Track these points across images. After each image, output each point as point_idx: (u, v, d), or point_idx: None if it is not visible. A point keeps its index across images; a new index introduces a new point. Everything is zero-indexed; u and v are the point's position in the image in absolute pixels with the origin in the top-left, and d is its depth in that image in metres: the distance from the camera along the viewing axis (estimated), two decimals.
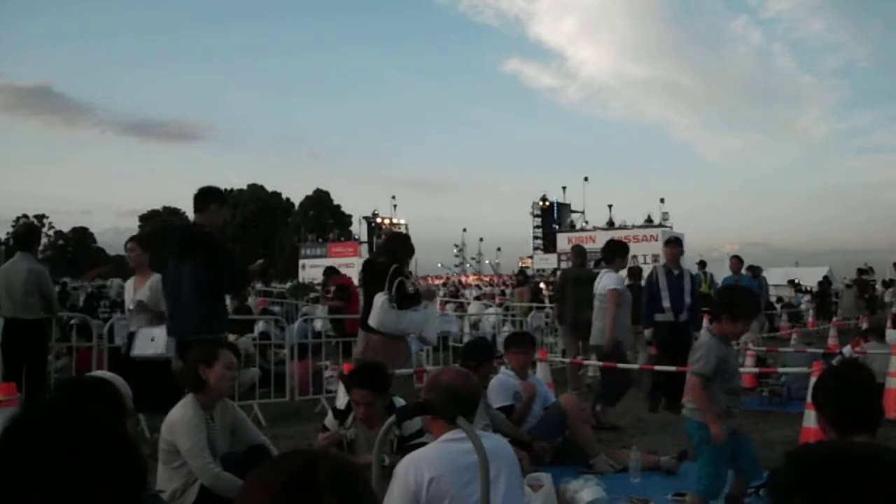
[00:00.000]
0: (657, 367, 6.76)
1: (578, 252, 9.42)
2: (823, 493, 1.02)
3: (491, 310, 15.72)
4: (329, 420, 4.03)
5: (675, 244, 7.82)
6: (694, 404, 3.75)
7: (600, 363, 6.86)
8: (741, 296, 4.00)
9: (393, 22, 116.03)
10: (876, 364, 7.50)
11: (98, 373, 3.83)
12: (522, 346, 5.51)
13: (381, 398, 3.83)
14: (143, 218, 74.33)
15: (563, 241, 39.67)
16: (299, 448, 1.81)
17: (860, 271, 20.05)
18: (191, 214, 5.27)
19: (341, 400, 4.63)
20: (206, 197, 4.92)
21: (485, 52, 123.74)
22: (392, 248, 5.67)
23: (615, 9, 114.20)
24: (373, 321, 5.24)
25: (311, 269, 48.18)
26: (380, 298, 5.22)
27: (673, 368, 6.99)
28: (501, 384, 5.28)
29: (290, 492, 0.98)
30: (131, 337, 5.77)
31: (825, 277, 24.46)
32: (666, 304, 7.30)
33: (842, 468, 1.05)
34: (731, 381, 3.76)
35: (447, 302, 18.98)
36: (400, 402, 4.09)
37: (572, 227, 42.14)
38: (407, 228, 51.39)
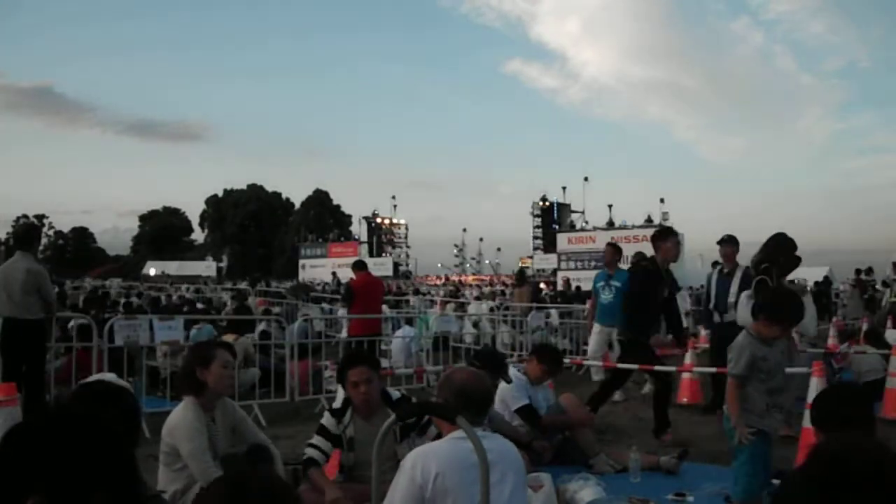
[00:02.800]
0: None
1: (636, 257, 10.95)
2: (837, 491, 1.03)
3: (484, 305, 15.72)
4: (326, 420, 4.04)
5: (726, 243, 7.53)
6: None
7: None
8: (784, 300, 3.95)
9: (394, 23, 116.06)
10: (866, 364, 7.52)
11: (105, 376, 3.83)
12: (550, 364, 5.46)
13: (377, 375, 3.95)
14: (143, 218, 74.35)
15: (563, 241, 39.59)
16: (237, 470, 1.85)
17: (858, 271, 20.02)
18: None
19: (340, 401, 4.63)
20: (653, 237, 6.79)
21: (486, 54, 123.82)
22: (769, 249, 6.56)
23: (617, 10, 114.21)
24: (738, 317, 6.18)
25: (311, 269, 48.17)
26: (744, 295, 6.16)
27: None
28: (516, 386, 5.25)
29: None
30: None
31: (825, 277, 24.46)
32: (712, 303, 7.40)
33: (857, 465, 1.05)
34: (772, 380, 3.77)
35: (447, 302, 18.95)
36: (395, 393, 4.12)
37: (572, 227, 42.07)
38: (407, 228, 51.45)
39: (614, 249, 9.04)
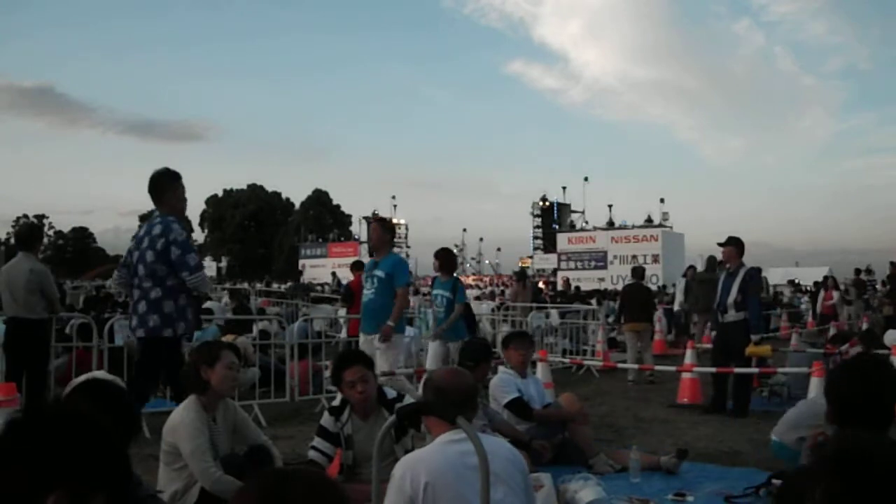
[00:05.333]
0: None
1: (709, 261, 11.66)
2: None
3: (484, 305, 15.72)
4: (325, 419, 4.05)
5: (726, 244, 7.57)
6: None
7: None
8: None
9: (396, 23, 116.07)
10: None
11: (99, 374, 3.82)
12: (521, 344, 5.53)
13: (372, 374, 4.01)
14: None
15: (563, 241, 39.62)
16: (284, 466, 1.84)
17: (857, 271, 20.01)
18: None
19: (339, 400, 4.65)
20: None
21: (488, 54, 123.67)
22: None
23: (619, 11, 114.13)
24: None
25: (311, 269, 48.17)
26: None
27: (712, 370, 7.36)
28: (503, 381, 5.29)
29: None
30: None
31: (825, 278, 24.45)
32: (716, 304, 7.52)
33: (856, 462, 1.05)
34: None
35: None
36: (391, 392, 4.13)
37: (572, 227, 42.11)
38: (407, 228, 51.43)
39: (382, 228, 6.72)
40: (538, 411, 5.24)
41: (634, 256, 35.05)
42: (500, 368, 5.54)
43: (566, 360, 10.01)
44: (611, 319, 14.92)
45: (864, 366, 2.55)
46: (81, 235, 74.34)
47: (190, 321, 4.86)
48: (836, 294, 14.61)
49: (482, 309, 15.24)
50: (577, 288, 22.05)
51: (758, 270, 7.69)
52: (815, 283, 22.86)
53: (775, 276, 25.97)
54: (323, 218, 67.84)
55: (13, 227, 54.43)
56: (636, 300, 10.31)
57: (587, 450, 5.07)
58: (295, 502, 0.99)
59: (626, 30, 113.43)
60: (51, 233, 70.58)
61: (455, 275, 7.57)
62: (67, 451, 1.10)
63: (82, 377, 2.87)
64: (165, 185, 4.79)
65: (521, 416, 5.13)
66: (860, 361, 2.77)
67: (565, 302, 15.83)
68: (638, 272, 11.06)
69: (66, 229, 73.74)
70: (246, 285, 28.09)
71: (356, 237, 52.26)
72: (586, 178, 43.24)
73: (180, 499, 3.45)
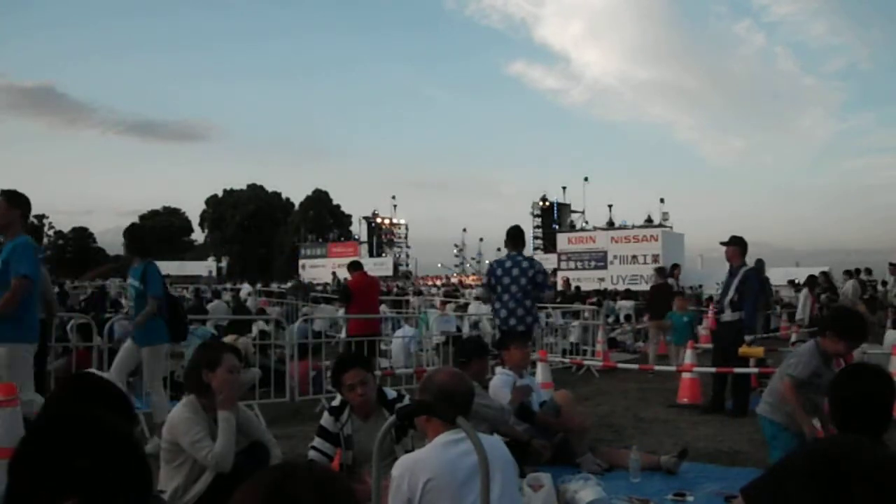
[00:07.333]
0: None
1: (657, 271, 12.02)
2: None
3: (484, 305, 15.71)
4: (325, 419, 4.05)
5: (729, 243, 7.56)
6: (772, 401, 4.05)
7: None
8: (853, 317, 4.25)
9: (398, 23, 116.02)
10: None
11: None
12: (521, 344, 5.53)
13: (372, 376, 3.99)
14: (143, 218, 74.23)
15: (564, 241, 39.57)
16: (288, 461, 1.84)
17: (858, 271, 20.00)
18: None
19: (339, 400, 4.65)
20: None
21: (490, 55, 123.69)
22: None
23: (620, 12, 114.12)
24: None
25: (311, 269, 48.21)
26: None
27: (712, 369, 7.43)
28: (503, 382, 5.28)
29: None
30: None
31: (809, 277, 24.43)
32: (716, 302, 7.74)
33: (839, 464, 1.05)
34: (816, 397, 3.89)
35: (447, 302, 18.96)
36: (391, 392, 4.13)
37: (572, 227, 42.08)
38: (407, 228, 51.48)
39: (7, 202, 4.99)
40: (540, 416, 5.23)
41: (634, 256, 35.04)
42: (498, 369, 5.53)
43: (566, 360, 10.02)
44: (611, 319, 14.93)
45: (864, 372, 2.64)
46: (81, 235, 74.30)
47: None
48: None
49: (482, 309, 15.25)
50: (578, 288, 22.04)
51: (757, 271, 7.66)
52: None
53: (775, 276, 25.96)
54: (323, 218, 67.87)
55: None
56: (659, 298, 10.79)
57: (576, 447, 5.05)
58: (301, 496, 0.99)
59: (626, 30, 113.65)
60: (51, 233, 70.58)
61: (148, 260, 5.93)
62: (86, 459, 1.10)
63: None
64: (522, 238, 7.30)
65: (523, 419, 5.13)
66: (861, 368, 2.86)
67: (565, 302, 15.84)
68: (662, 272, 11.38)
69: (66, 229, 73.79)
70: (246, 285, 28.08)
71: (356, 237, 52.30)
72: (586, 178, 43.25)
73: (181, 496, 3.44)
